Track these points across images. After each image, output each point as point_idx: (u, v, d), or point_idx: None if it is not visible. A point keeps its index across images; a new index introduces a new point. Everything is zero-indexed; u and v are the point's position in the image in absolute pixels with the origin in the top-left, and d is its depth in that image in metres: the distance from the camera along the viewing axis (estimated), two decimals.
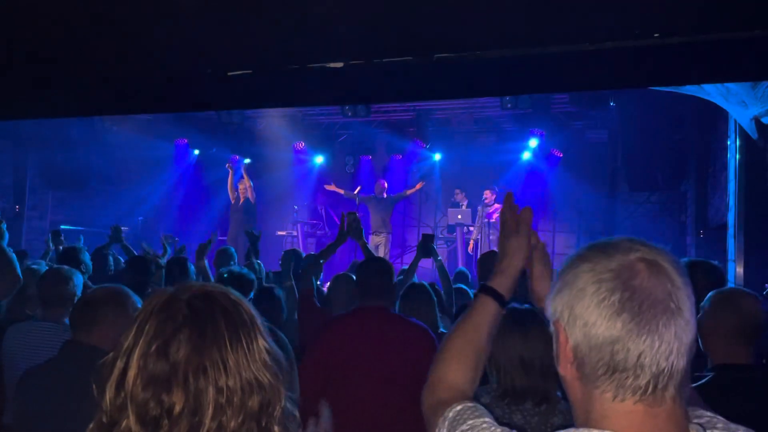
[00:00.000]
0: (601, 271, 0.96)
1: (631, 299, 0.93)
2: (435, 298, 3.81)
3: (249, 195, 11.03)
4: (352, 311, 3.14)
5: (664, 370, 0.92)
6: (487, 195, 10.74)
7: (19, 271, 3.50)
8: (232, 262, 5.74)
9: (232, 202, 11.23)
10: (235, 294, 1.11)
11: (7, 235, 3.54)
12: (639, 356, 0.92)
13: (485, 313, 1.39)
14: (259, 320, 1.10)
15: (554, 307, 1.02)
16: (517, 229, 1.42)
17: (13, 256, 3.48)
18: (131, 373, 0.98)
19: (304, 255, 6.69)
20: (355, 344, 2.92)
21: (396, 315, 3.14)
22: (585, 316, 0.96)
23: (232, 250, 6.08)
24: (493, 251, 4.51)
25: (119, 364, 1.00)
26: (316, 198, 12.74)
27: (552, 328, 1.04)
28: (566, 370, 1.01)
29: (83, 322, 2.36)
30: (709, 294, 2.38)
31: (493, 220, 10.58)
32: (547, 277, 1.42)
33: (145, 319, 1.03)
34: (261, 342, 1.07)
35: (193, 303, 1.05)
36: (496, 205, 10.59)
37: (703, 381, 2.17)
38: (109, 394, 1.00)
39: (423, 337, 2.96)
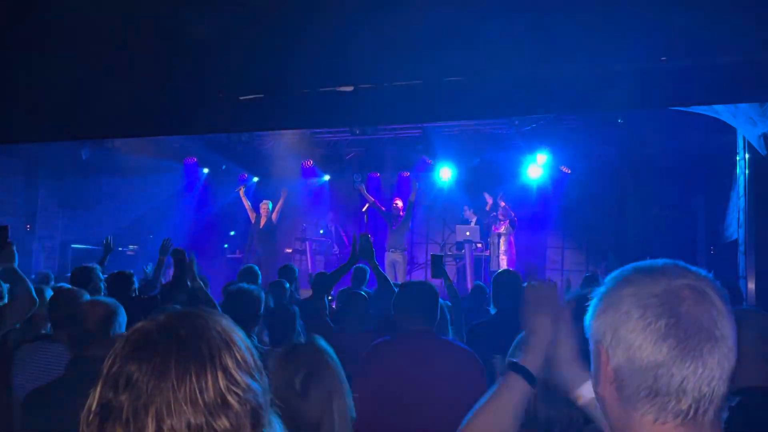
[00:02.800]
0: (647, 295, 0.97)
1: (676, 325, 0.94)
2: (449, 316, 3.79)
3: (273, 217, 11.16)
4: (397, 336, 3.07)
5: (705, 395, 0.93)
6: (489, 200, 10.81)
7: (34, 293, 3.53)
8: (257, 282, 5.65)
9: (252, 222, 11.34)
10: (204, 320, 1.02)
11: (17, 255, 3.57)
12: (682, 381, 0.93)
13: (514, 392, 1.37)
14: (230, 352, 0.99)
15: (596, 327, 1.03)
16: (539, 307, 1.40)
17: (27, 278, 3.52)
18: (92, 402, 0.96)
19: (314, 273, 6.69)
20: (401, 370, 2.85)
21: (441, 339, 3.09)
22: (629, 339, 0.97)
23: (256, 268, 6.02)
24: (508, 270, 4.47)
25: (90, 395, 0.98)
26: (327, 216, 12.76)
27: (592, 348, 1.05)
28: (605, 390, 1.01)
29: (78, 340, 2.42)
30: None
31: (502, 230, 10.60)
32: (576, 359, 1.38)
33: (115, 349, 1.00)
34: (221, 379, 0.96)
35: (149, 335, 0.99)
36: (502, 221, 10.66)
37: (731, 405, 2.13)
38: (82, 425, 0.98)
39: (469, 361, 2.92)
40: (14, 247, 3.55)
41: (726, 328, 0.95)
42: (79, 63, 3.52)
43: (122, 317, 2.60)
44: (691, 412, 0.94)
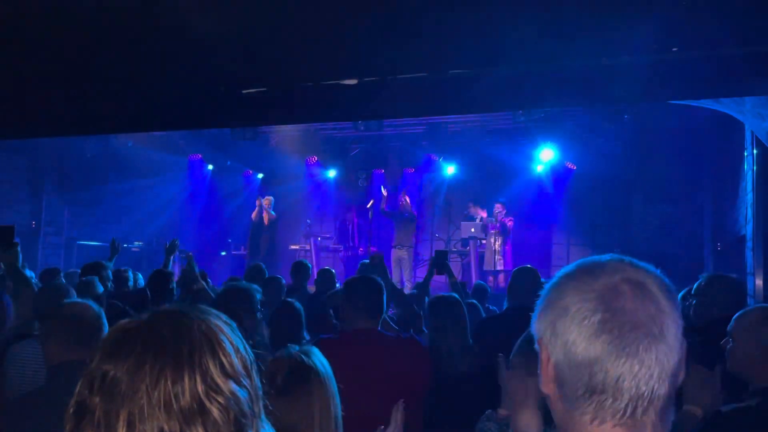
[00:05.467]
0: (586, 290, 0.95)
1: (611, 320, 0.91)
2: (466, 313, 3.70)
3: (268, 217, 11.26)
4: (340, 336, 3.01)
5: (644, 394, 0.91)
6: (498, 208, 10.74)
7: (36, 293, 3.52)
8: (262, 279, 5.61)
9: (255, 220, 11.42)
10: (189, 320, 0.96)
11: (21, 256, 3.57)
12: (618, 379, 0.90)
13: None
14: (213, 355, 0.93)
15: (538, 324, 1.01)
16: (526, 401, 1.39)
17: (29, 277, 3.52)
18: (72, 400, 0.93)
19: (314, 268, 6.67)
20: (343, 373, 2.83)
21: (385, 335, 3.02)
22: (566, 334, 0.95)
23: (263, 266, 6.02)
24: (528, 267, 4.37)
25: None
26: (344, 214, 12.72)
27: (536, 346, 1.02)
28: (548, 388, 1.00)
29: (60, 341, 2.37)
30: (739, 314, 2.31)
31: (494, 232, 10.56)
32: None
33: (97, 347, 0.96)
34: (199, 384, 0.90)
35: (128, 334, 0.94)
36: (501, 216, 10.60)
37: (751, 405, 2.08)
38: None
39: (412, 351, 2.90)
40: (19, 248, 3.55)
41: (666, 325, 0.92)
42: (81, 58, 3.49)
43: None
44: (629, 411, 0.91)
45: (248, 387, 0.97)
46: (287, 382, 1.74)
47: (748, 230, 6.91)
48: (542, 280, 4.16)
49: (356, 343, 2.91)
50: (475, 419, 3.11)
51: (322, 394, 1.73)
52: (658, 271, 0.98)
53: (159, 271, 4.89)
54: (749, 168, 6.85)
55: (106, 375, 0.90)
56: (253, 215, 11.59)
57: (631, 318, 0.92)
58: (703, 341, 2.54)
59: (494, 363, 2.42)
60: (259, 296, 3.32)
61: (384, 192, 11.15)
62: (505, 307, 4.27)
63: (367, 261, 6.55)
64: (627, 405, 0.91)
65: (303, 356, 1.79)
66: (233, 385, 0.94)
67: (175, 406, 0.88)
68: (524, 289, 3.92)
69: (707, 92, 4.14)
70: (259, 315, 3.28)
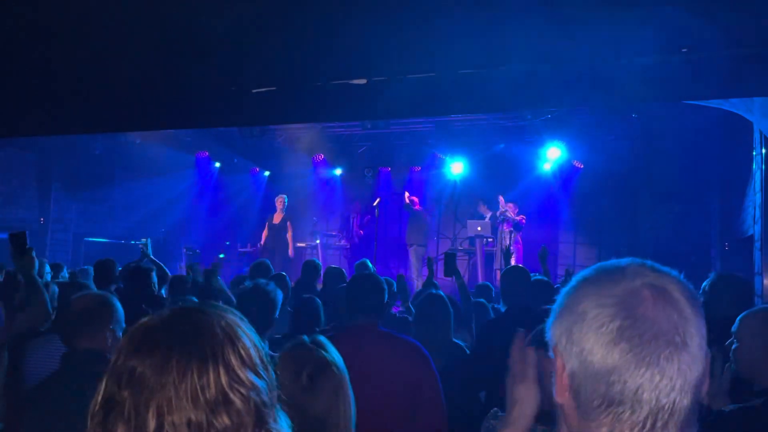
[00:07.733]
0: (605, 295, 0.90)
1: (631, 328, 0.87)
2: (451, 309, 3.79)
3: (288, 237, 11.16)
4: (343, 330, 3.05)
5: (664, 406, 0.86)
6: (501, 202, 10.73)
7: (48, 305, 3.48)
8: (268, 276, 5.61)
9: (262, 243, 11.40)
10: (208, 316, 1.01)
11: (37, 263, 3.51)
12: (637, 390, 0.86)
13: None
14: (233, 348, 0.98)
15: (553, 330, 0.96)
16: (524, 374, 1.29)
17: (45, 290, 3.52)
18: (98, 395, 0.97)
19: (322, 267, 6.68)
20: (348, 365, 2.85)
21: (387, 333, 3.06)
22: (582, 342, 0.90)
23: (268, 262, 6.01)
24: (517, 266, 4.42)
25: (97, 388, 0.98)
26: (351, 211, 12.74)
27: (551, 352, 0.98)
28: (563, 397, 0.95)
29: (74, 332, 2.45)
30: (743, 315, 2.30)
31: (509, 229, 10.54)
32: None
33: (120, 344, 1.01)
34: (223, 376, 0.95)
35: (152, 331, 0.99)
36: (513, 213, 10.57)
37: (754, 405, 2.07)
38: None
39: (415, 354, 2.92)
40: (34, 253, 3.47)
41: (689, 334, 0.88)
42: (91, 56, 3.51)
43: (117, 311, 2.56)
44: (648, 425, 0.86)
45: (265, 378, 1.02)
46: (313, 379, 1.80)
47: (757, 230, 6.88)
48: (532, 276, 4.23)
49: (354, 337, 2.94)
50: (450, 414, 3.16)
51: (344, 386, 1.79)
52: (681, 276, 0.94)
53: (138, 267, 4.90)
54: (757, 168, 6.81)
55: (133, 370, 0.95)
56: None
57: (652, 326, 0.87)
58: (709, 341, 2.54)
59: (502, 365, 2.44)
60: (281, 300, 3.31)
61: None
62: (503, 310, 4.32)
63: (364, 260, 6.58)
64: (646, 418, 0.86)
65: (323, 352, 1.85)
66: (253, 376, 0.99)
67: (201, 398, 0.93)
68: (518, 288, 3.97)
69: (716, 92, 4.12)
70: (276, 314, 3.29)
